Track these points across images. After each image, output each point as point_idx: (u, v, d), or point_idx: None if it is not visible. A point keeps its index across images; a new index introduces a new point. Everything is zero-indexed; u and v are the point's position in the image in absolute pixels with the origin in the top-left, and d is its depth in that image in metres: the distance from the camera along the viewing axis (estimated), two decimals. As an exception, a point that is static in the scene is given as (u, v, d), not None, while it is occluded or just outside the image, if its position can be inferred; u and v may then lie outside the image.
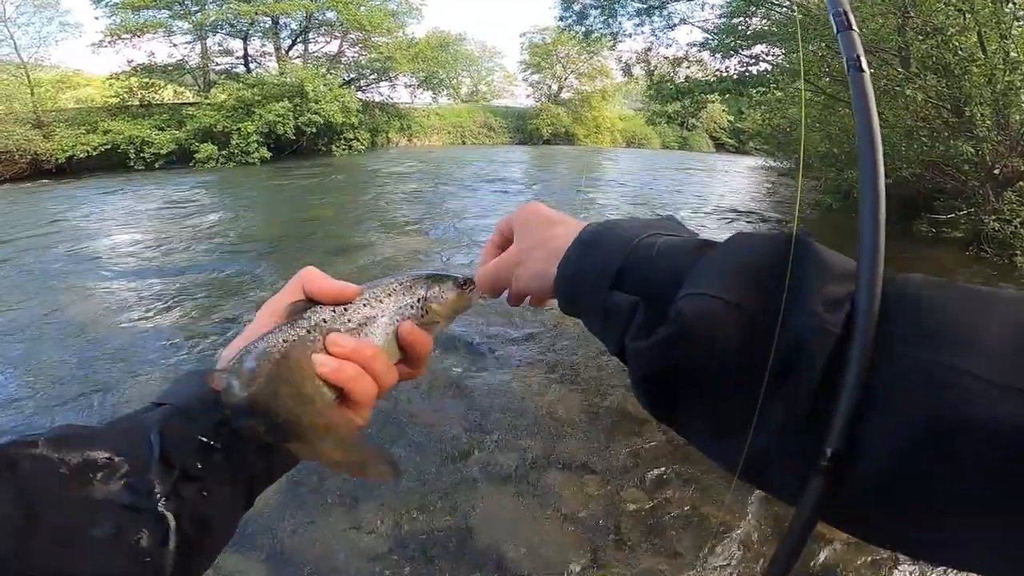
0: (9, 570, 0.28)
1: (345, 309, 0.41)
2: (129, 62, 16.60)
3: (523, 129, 25.35)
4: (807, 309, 0.28)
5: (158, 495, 0.32)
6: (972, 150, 5.90)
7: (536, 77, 27.35)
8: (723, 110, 26.96)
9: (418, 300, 0.43)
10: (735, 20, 10.52)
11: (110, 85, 15.87)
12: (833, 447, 0.26)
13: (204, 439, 0.36)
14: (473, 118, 24.62)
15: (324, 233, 6.94)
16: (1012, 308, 0.26)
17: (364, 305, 0.41)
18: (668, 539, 2.14)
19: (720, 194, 11.41)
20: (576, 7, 13.23)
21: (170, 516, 0.32)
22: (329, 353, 0.39)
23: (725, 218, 8.57)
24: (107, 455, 0.32)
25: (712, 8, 11.38)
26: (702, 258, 0.33)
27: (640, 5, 11.77)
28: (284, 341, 0.38)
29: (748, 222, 8.43)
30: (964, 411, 0.23)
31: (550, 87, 27.18)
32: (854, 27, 0.36)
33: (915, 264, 6.00)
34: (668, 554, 2.08)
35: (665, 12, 11.78)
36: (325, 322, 0.40)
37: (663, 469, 2.51)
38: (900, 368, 0.26)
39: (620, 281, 0.36)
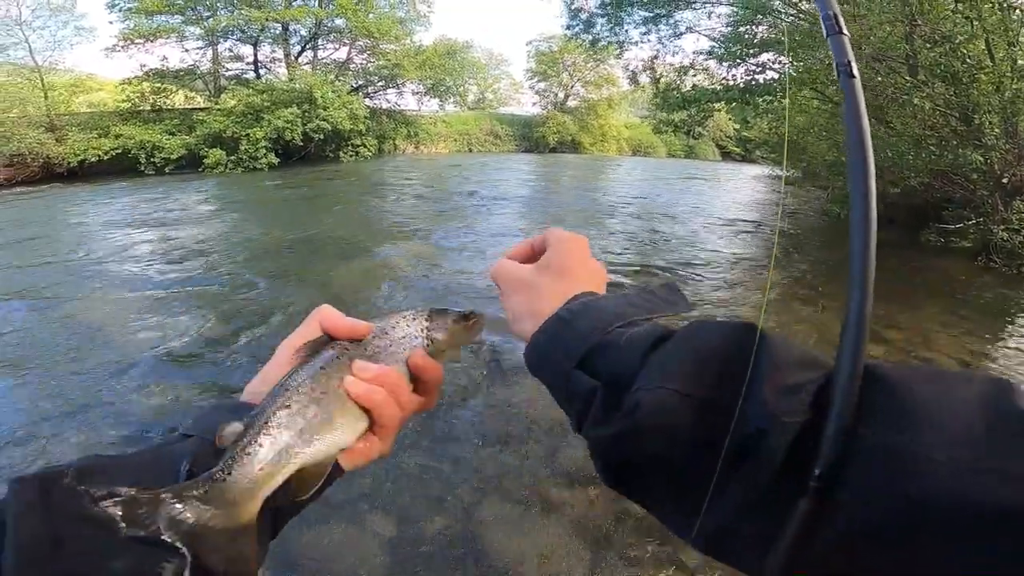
0: None
1: (360, 342, 0.43)
2: (142, 67, 16.88)
3: (529, 137, 25.47)
4: (759, 398, 0.29)
5: (164, 529, 0.32)
6: (981, 159, 5.87)
7: (542, 85, 27.52)
8: (729, 119, 27.01)
9: (423, 331, 0.45)
10: (741, 29, 10.56)
11: (123, 89, 16.10)
12: (821, 468, 0.27)
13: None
14: (479, 126, 24.77)
15: (331, 239, 6.98)
16: (971, 389, 0.27)
17: (375, 338, 0.44)
18: (672, 548, 2.11)
19: (724, 204, 11.39)
20: (583, 15, 13.33)
21: (188, 552, 0.32)
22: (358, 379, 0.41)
23: (729, 228, 8.56)
24: (131, 488, 0.32)
25: (719, 17, 11.44)
26: (659, 349, 0.34)
27: (647, 14, 11.84)
28: (317, 369, 0.40)
29: (752, 232, 8.41)
30: (925, 490, 0.24)
31: (556, 95, 27.33)
32: (844, 31, 0.36)
33: (923, 274, 5.96)
34: (672, 563, 2.06)
35: (672, 20, 11.85)
36: (347, 350, 0.42)
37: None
38: (864, 447, 0.27)
39: (585, 363, 0.36)
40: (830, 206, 9.05)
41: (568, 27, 14.11)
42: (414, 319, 0.46)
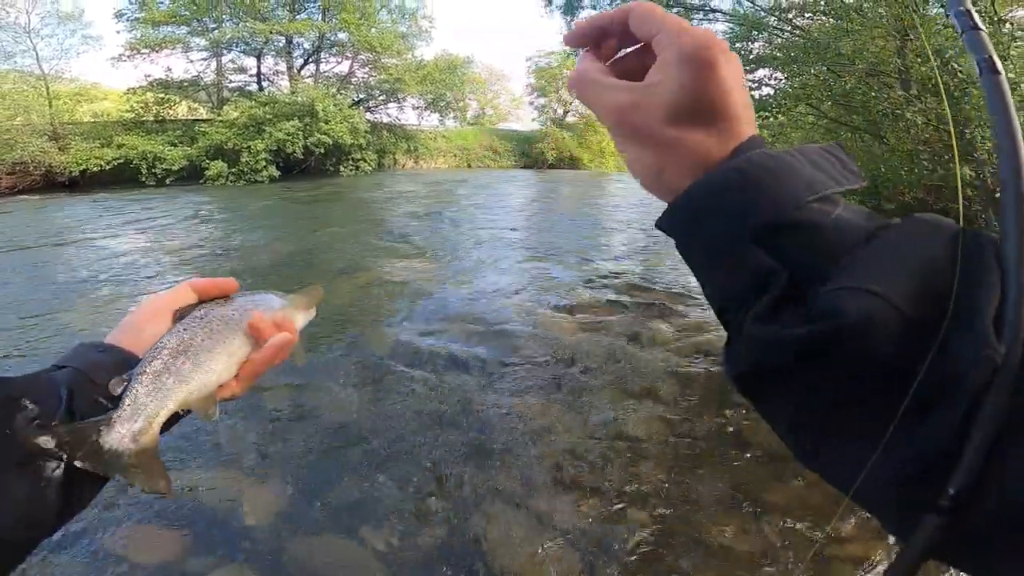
0: None
1: (227, 299, 0.51)
2: (146, 77, 17.05)
3: (528, 153, 25.68)
4: (979, 332, 0.24)
5: (54, 443, 0.38)
6: (972, 173, 5.94)
7: (542, 101, 27.85)
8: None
9: (280, 295, 0.55)
10: (737, 45, 10.75)
11: (127, 99, 16.25)
12: (957, 486, 0.23)
13: (103, 400, 0.42)
14: (479, 141, 24.98)
15: (330, 253, 7.00)
16: None
17: (239, 296, 0.52)
18: (668, 562, 2.10)
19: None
20: (583, 33, 13.54)
21: (66, 457, 0.38)
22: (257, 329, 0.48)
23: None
24: (24, 399, 0.38)
25: (716, 33, 11.62)
26: (871, 245, 0.27)
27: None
28: (197, 321, 0.47)
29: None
30: None
31: (555, 111, 27.64)
32: (981, 27, 0.32)
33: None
34: (669, 570, 2.04)
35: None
36: (218, 306, 0.50)
37: (665, 491, 2.48)
38: None
39: (764, 238, 0.28)
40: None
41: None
42: (271, 292, 0.55)
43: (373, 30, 18.84)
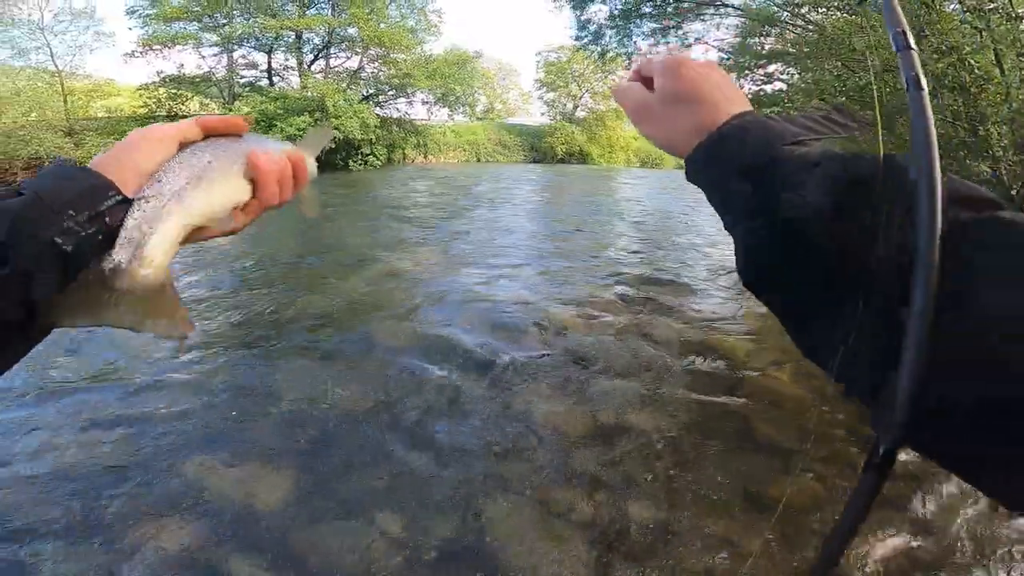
0: None
1: (238, 137, 0.48)
2: (159, 73, 17.19)
3: (537, 147, 25.61)
4: (891, 232, 0.30)
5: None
6: (988, 170, 5.85)
7: (551, 95, 27.73)
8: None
9: (288, 139, 0.54)
10: (750, 40, 10.63)
11: (140, 95, 16.39)
12: (886, 445, 0.28)
13: (56, 239, 0.34)
14: (488, 135, 24.94)
15: (340, 246, 7.04)
16: None
17: (249, 135, 0.50)
18: (676, 555, 2.10)
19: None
20: (592, 27, 13.45)
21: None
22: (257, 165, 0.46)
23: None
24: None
25: (727, 28, 11.52)
26: (821, 166, 0.35)
27: (655, 25, 11.95)
28: (206, 150, 0.44)
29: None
30: None
31: (565, 105, 27.51)
32: (913, 47, 0.37)
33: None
34: (676, 571, 2.05)
35: (680, 32, 11.94)
36: (228, 141, 0.47)
37: (673, 485, 2.49)
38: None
39: (750, 173, 0.38)
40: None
41: (577, 38, 14.21)
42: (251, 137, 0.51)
43: (382, 25, 18.82)
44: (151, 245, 0.38)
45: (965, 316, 0.27)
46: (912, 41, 0.37)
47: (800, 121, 0.41)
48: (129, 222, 0.38)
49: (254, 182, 0.46)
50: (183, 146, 0.44)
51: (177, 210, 0.40)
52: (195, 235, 0.43)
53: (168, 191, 0.40)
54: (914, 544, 2.17)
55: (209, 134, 0.47)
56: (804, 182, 0.34)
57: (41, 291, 0.34)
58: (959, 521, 2.30)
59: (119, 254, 0.37)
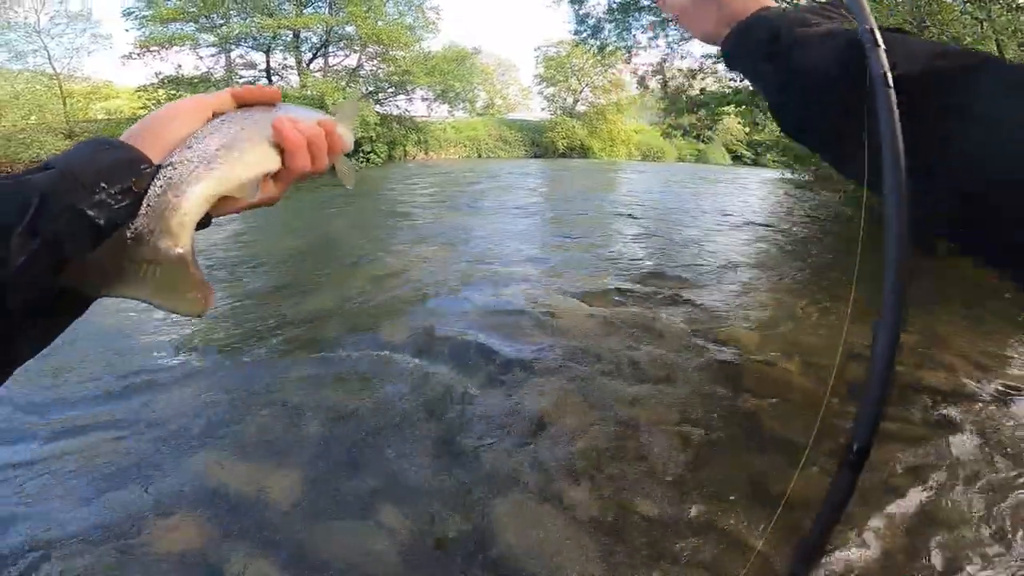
0: None
1: (271, 106, 0.47)
2: (157, 74, 17.15)
3: (538, 142, 25.53)
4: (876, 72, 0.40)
5: (10, 263, 0.30)
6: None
7: (551, 90, 27.58)
8: (739, 122, 26.89)
9: (320, 109, 0.53)
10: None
11: (139, 96, 16.38)
12: (859, 444, 0.32)
13: (88, 212, 0.34)
14: (488, 131, 24.87)
15: (342, 245, 7.04)
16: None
17: (284, 104, 0.49)
18: (681, 551, 2.10)
19: (738, 208, 11.34)
20: (590, 21, 13.37)
21: (13, 286, 0.31)
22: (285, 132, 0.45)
23: (742, 232, 8.51)
24: None
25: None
26: (827, 36, 0.47)
27: (654, 18, 11.85)
28: (239, 117, 0.44)
29: (765, 236, 8.35)
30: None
31: (565, 100, 27.38)
32: (881, 44, 0.40)
33: (939, 277, 5.88)
34: (680, 565, 2.04)
35: (680, 25, 11.82)
36: (262, 110, 0.46)
37: (679, 480, 2.48)
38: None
39: (773, 54, 0.50)
40: (843, 209, 8.97)
41: (576, 32, 14.13)
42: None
43: (380, 22, 18.75)
44: (176, 213, 0.37)
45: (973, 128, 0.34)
46: (880, 39, 0.40)
47: (807, 9, 0.53)
48: (154, 189, 0.37)
49: (284, 151, 0.45)
50: (215, 116, 0.44)
51: (205, 176, 0.39)
52: (224, 206, 0.42)
53: (195, 157, 0.39)
54: (888, 548, 2.15)
55: (242, 104, 0.46)
56: (814, 49, 0.45)
57: (73, 262, 0.33)
58: (932, 529, 2.28)
59: (142, 222, 0.36)
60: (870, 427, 0.32)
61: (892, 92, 0.38)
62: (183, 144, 0.40)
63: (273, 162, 0.44)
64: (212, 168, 0.39)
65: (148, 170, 0.37)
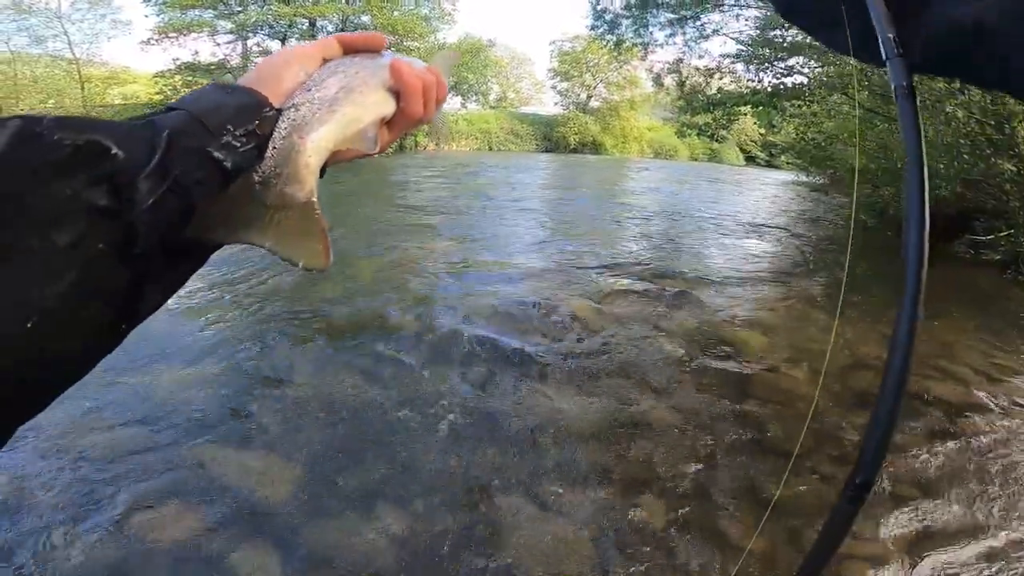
0: None
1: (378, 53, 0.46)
2: (174, 60, 17.25)
3: (550, 137, 25.40)
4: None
5: (139, 203, 0.29)
6: (1013, 168, 5.71)
7: (564, 85, 27.41)
8: (755, 123, 26.60)
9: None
10: (771, 33, 10.40)
11: (156, 82, 16.49)
12: (862, 478, 0.31)
13: (216, 155, 0.33)
14: (500, 124, 24.77)
15: (353, 235, 7.07)
16: None
17: (389, 49, 0.48)
18: (682, 555, 2.11)
19: (750, 210, 11.25)
20: (608, 16, 13.26)
21: (143, 229, 0.29)
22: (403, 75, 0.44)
23: (754, 234, 8.45)
24: (104, 144, 0.29)
25: (747, 20, 11.27)
26: None
27: (672, 15, 11.73)
28: (354, 62, 0.43)
29: (777, 239, 8.29)
30: None
31: (578, 95, 27.20)
32: (902, 54, 0.37)
33: (951, 285, 5.82)
34: (682, 571, 2.05)
35: (698, 23, 11.71)
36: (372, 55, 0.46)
37: (681, 484, 2.49)
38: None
39: None
40: (857, 214, 8.88)
41: (592, 27, 14.04)
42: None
43: (396, 13, 18.72)
44: (302, 155, 0.37)
45: None
46: (901, 49, 0.37)
47: None
48: (279, 131, 0.37)
49: (398, 96, 0.45)
50: (325, 63, 0.44)
51: (328, 119, 0.38)
52: (337, 156, 0.41)
53: (317, 99, 0.39)
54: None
55: (348, 51, 0.46)
56: None
57: (200, 206, 0.33)
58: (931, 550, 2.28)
59: (268, 165, 0.36)
60: (875, 461, 0.31)
61: (915, 105, 0.37)
62: (302, 87, 0.40)
63: (390, 106, 0.44)
64: (334, 110, 0.39)
65: (271, 113, 0.37)
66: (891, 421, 0.31)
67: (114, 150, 0.29)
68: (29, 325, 0.25)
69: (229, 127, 0.34)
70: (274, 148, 0.36)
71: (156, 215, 0.30)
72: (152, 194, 0.29)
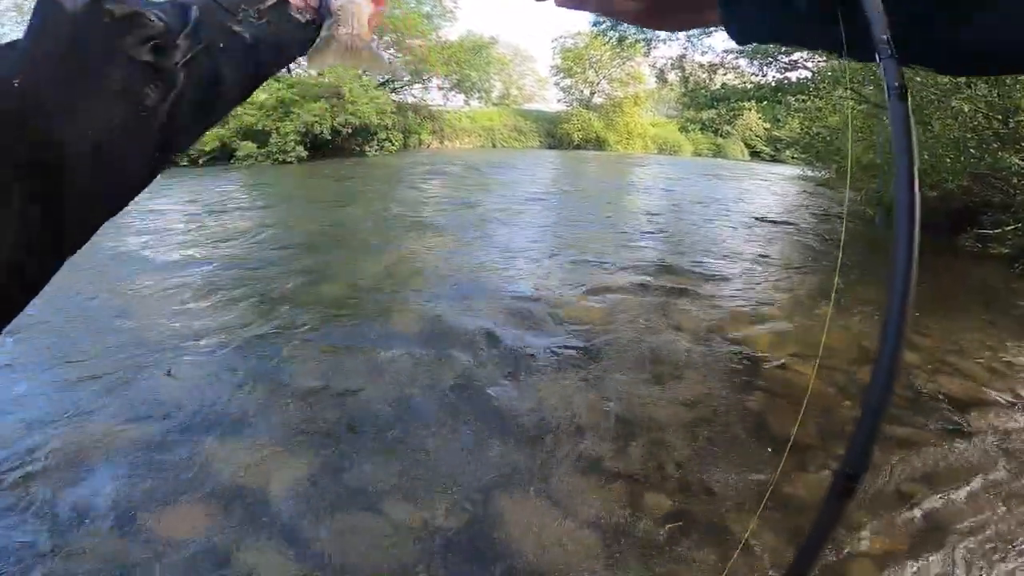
0: (13, 93, 0.32)
1: None
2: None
3: (553, 133, 25.33)
4: None
5: (177, 59, 0.37)
6: (1020, 162, 5.68)
7: (568, 82, 27.30)
8: (759, 118, 26.44)
9: None
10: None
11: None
12: (851, 470, 0.31)
13: (235, 28, 0.41)
14: (504, 121, 24.70)
15: (357, 231, 7.10)
16: None
17: None
18: (688, 548, 2.12)
19: (754, 204, 11.21)
20: (611, 12, 13.18)
21: (182, 78, 0.37)
22: None
23: (758, 228, 8.43)
24: (147, 15, 0.36)
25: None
26: None
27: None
28: None
29: (782, 233, 8.27)
30: None
31: (582, 92, 27.11)
32: (895, 55, 0.37)
33: (958, 280, 5.80)
34: (687, 563, 2.06)
35: (702, 18, 11.64)
36: None
37: (686, 479, 2.50)
38: None
39: None
40: (863, 208, 8.84)
41: (595, 24, 14.01)
42: None
43: (397, 11, 18.65)
44: (353, 15, 0.49)
45: None
46: (894, 49, 0.38)
47: None
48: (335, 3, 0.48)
49: None
50: None
51: None
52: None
53: None
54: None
55: None
56: None
57: (227, 74, 0.41)
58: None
59: (333, 21, 0.48)
60: (862, 453, 0.30)
61: (907, 104, 0.37)
62: None
63: None
64: None
65: None
66: (879, 413, 0.32)
67: (154, 20, 0.36)
68: (95, 142, 0.34)
69: (243, 7, 0.42)
70: (338, 10, 0.48)
71: (191, 69, 0.38)
72: (189, 52, 0.37)
